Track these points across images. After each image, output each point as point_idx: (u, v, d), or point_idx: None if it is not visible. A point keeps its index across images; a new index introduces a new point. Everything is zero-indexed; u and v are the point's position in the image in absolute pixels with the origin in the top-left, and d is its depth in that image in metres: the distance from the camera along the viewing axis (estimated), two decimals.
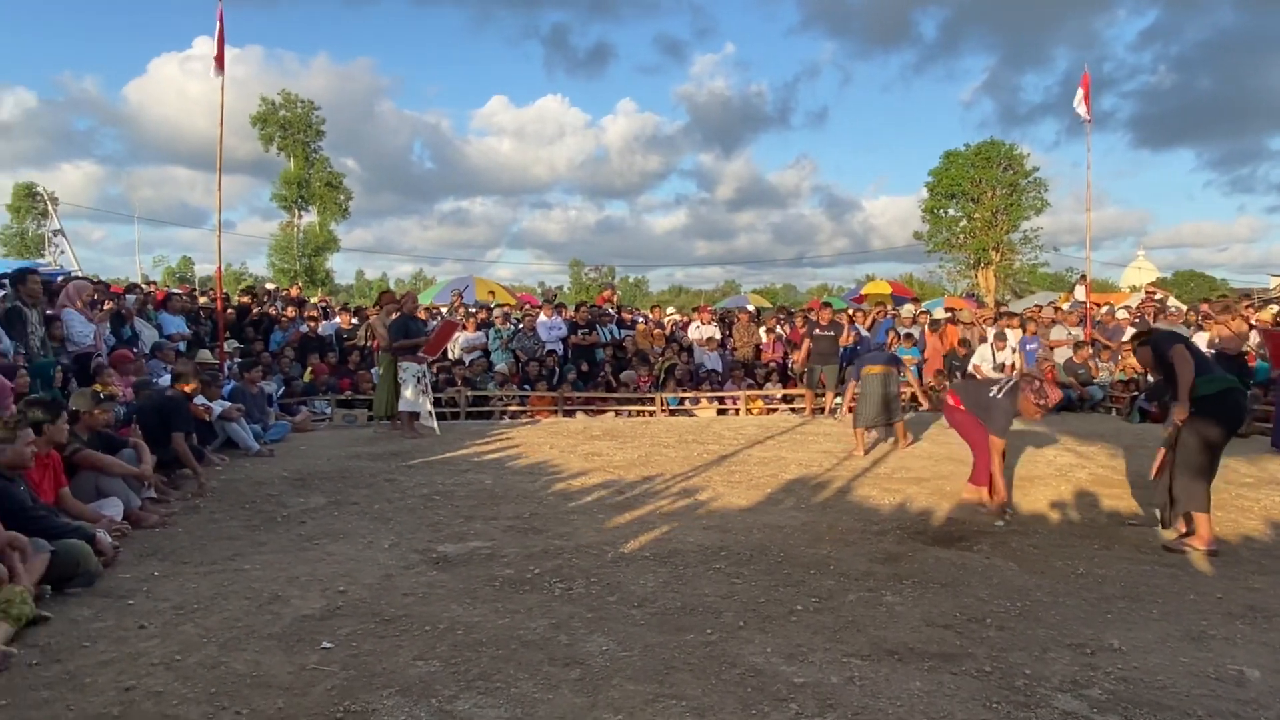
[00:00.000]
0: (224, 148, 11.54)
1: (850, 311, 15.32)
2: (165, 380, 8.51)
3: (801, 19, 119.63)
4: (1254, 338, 11.29)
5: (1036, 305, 18.24)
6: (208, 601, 4.16)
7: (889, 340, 12.94)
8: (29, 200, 42.41)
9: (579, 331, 13.82)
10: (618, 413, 12.45)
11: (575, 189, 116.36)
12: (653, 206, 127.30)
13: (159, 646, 3.59)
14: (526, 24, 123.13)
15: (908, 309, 15.05)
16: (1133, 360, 12.65)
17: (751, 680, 3.27)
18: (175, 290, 14.73)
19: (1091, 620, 3.99)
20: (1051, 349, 13.62)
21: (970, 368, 12.43)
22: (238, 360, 11.27)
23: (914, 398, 10.60)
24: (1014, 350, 12.77)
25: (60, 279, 11.14)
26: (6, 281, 8.50)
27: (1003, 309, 17.07)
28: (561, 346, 13.66)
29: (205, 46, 68.33)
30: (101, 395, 6.36)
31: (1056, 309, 16.33)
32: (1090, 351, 13.30)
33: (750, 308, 18.62)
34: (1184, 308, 16.12)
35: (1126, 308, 16.30)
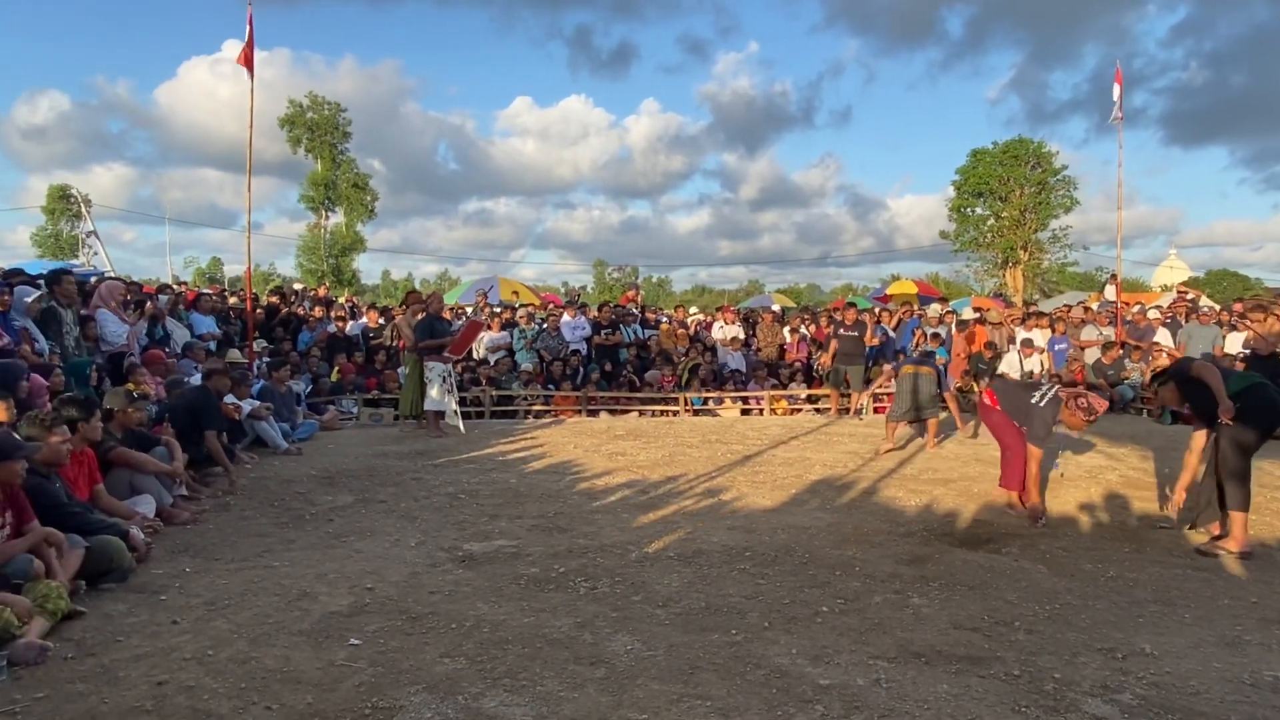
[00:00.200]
0: (253, 150, 11.68)
1: (877, 311, 15.22)
2: (196, 379, 8.63)
3: (825, 17, 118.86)
4: None
5: (1066, 305, 17.99)
6: (238, 597, 4.22)
7: (915, 340, 12.83)
8: (63, 202, 43.15)
9: (603, 331, 13.84)
10: (641, 412, 12.45)
11: (598, 189, 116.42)
12: (676, 206, 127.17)
13: (191, 642, 3.64)
14: (550, 25, 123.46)
15: (934, 308, 14.93)
16: (1163, 360, 12.48)
17: (777, 681, 3.26)
18: (206, 290, 14.93)
19: (1122, 624, 3.94)
20: (1081, 349, 13.44)
21: (998, 374, 12.31)
22: (266, 360, 11.41)
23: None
24: (1043, 352, 12.63)
25: (93, 279, 11.33)
26: (42, 282, 8.65)
27: (1031, 309, 16.86)
28: (585, 346, 13.69)
29: (234, 50, 69.13)
30: (135, 394, 6.46)
31: (1086, 309, 16.11)
32: (1121, 352, 13.10)
33: (775, 307, 18.56)
34: (1216, 307, 15.82)
35: (1158, 307, 16.04)
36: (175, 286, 14.65)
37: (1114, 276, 16.78)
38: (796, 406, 12.97)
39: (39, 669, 3.34)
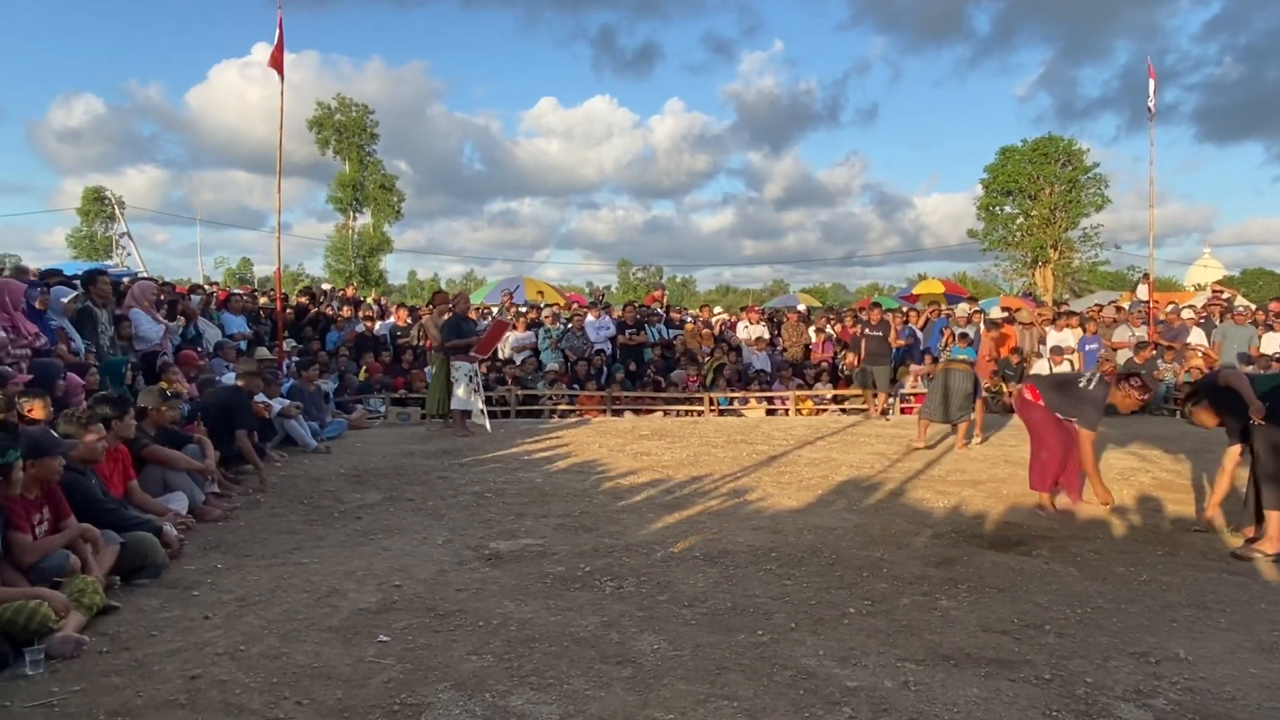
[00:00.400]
0: (282, 152, 11.81)
1: (904, 310, 15.10)
2: (228, 378, 8.75)
3: (851, 14, 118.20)
4: None
5: (1097, 305, 17.75)
6: (269, 594, 4.27)
7: (943, 340, 12.72)
8: (98, 204, 43.94)
9: (627, 331, 13.86)
10: (666, 412, 12.45)
11: (623, 189, 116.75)
12: (700, 206, 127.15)
13: (223, 637, 3.70)
14: (574, 25, 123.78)
15: (962, 308, 14.78)
16: (1198, 361, 12.28)
17: (804, 683, 3.25)
18: (236, 291, 15.14)
19: (1156, 628, 3.88)
20: (1113, 350, 13.25)
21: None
22: (296, 359, 11.54)
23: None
24: (1074, 353, 12.47)
25: (126, 279, 11.52)
26: (78, 283, 8.81)
27: (1063, 309, 16.64)
28: (610, 346, 13.71)
29: (264, 53, 70.00)
30: (168, 393, 6.57)
31: (1118, 309, 15.88)
32: (1154, 353, 12.90)
33: (800, 307, 18.46)
34: (1252, 307, 15.53)
35: (1192, 307, 15.78)
36: (207, 287, 14.87)
37: (1146, 275, 16.53)
38: (822, 407, 12.91)
39: (75, 662, 3.41)
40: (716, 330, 14.76)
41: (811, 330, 14.75)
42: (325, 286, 20.03)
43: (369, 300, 18.23)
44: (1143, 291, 16.65)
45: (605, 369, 13.20)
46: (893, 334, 12.33)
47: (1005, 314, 15.61)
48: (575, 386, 12.85)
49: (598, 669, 3.38)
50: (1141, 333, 13.55)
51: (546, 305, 17.42)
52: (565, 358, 13.41)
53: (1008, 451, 8.76)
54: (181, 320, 9.86)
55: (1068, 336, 13.11)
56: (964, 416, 9.00)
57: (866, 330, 12.34)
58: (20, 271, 10.01)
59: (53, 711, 3.00)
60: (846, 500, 6.53)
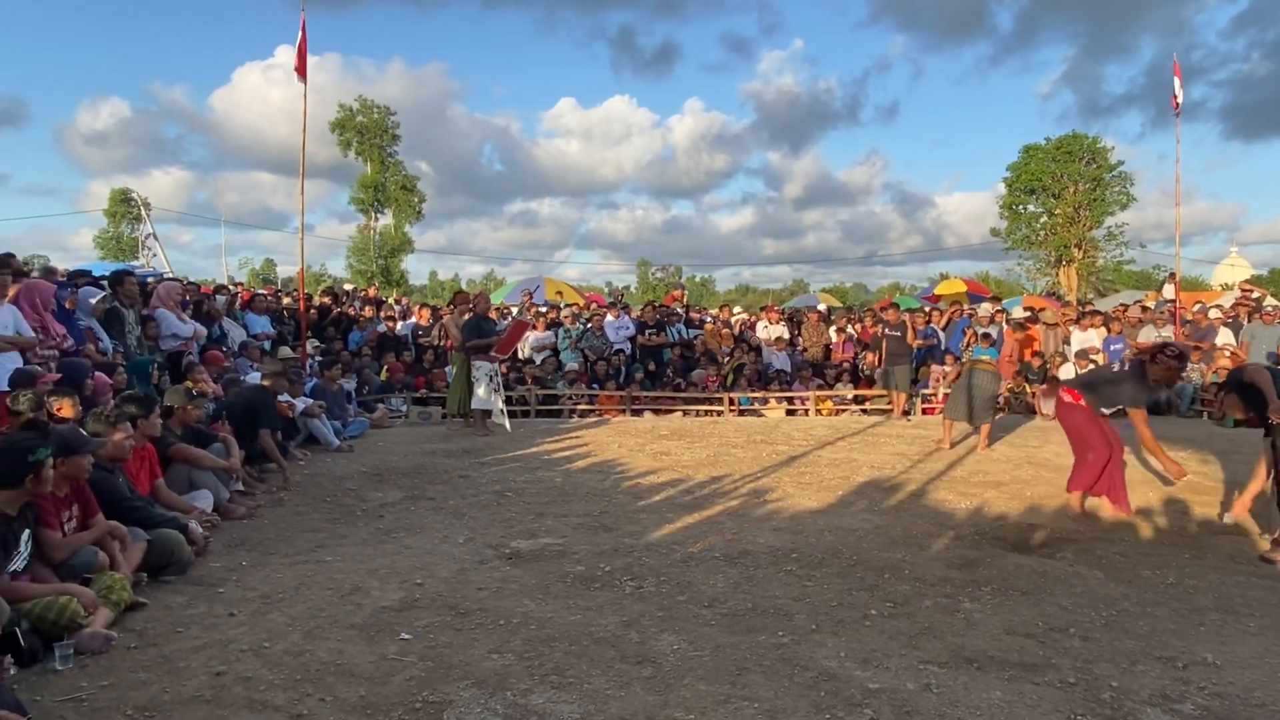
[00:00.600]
0: (305, 153, 11.92)
1: (927, 310, 15.00)
2: (253, 378, 8.85)
3: (871, 12, 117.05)
4: None
5: (1122, 304, 17.53)
6: (292, 591, 4.31)
7: (965, 340, 12.63)
8: (124, 205, 44.54)
9: (647, 331, 13.86)
10: (685, 412, 12.44)
11: (642, 189, 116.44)
12: (719, 206, 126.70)
13: (247, 634, 3.74)
14: (593, 25, 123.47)
15: (985, 307, 14.66)
16: (1225, 362, 12.10)
17: (825, 684, 3.24)
18: (261, 291, 15.29)
19: (1182, 632, 3.83)
20: (1138, 350, 13.09)
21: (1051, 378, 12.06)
22: (319, 359, 11.64)
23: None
24: (1099, 354, 12.33)
25: (150, 280, 11.67)
26: (106, 283, 8.94)
27: (1088, 308, 16.46)
28: (629, 346, 13.72)
29: (287, 55, 70.65)
30: (194, 392, 6.65)
31: (1144, 308, 15.68)
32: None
33: (821, 307, 18.38)
34: None
35: (1219, 306, 15.55)
36: (231, 287, 15.03)
37: (1172, 275, 16.34)
38: (843, 407, 12.84)
39: (104, 658, 3.46)
40: (736, 330, 14.72)
41: (832, 330, 14.67)
42: (347, 287, 20.20)
43: (391, 300, 18.35)
44: (1169, 291, 16.45)
45: (625, 369, 13.21)
46: (910, 333, 12.23)
47: (1029, 314, 15.45)
48: (595, 386, 12.87)
49: (618, 668, 3.38)
50: (1168, 333, 13.36)
51: (566, 305, 17.46)
52: (585, 357, 13.43)
53: (1031, 453, 8.69)
54: (219, 320, 10.01)
55: (1092, 337, 12.97)
56: (987, 418, 8.93)
57: (886, 330, 12.27)
58: (48, 272, 10.16)
59: (82, 706, 3.04)
60: (868, 501, 6.49)
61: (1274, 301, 17.95)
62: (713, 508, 6.25)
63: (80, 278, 9.39)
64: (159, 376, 8.00)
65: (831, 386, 13.22)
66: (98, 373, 6.66)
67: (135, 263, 34.75)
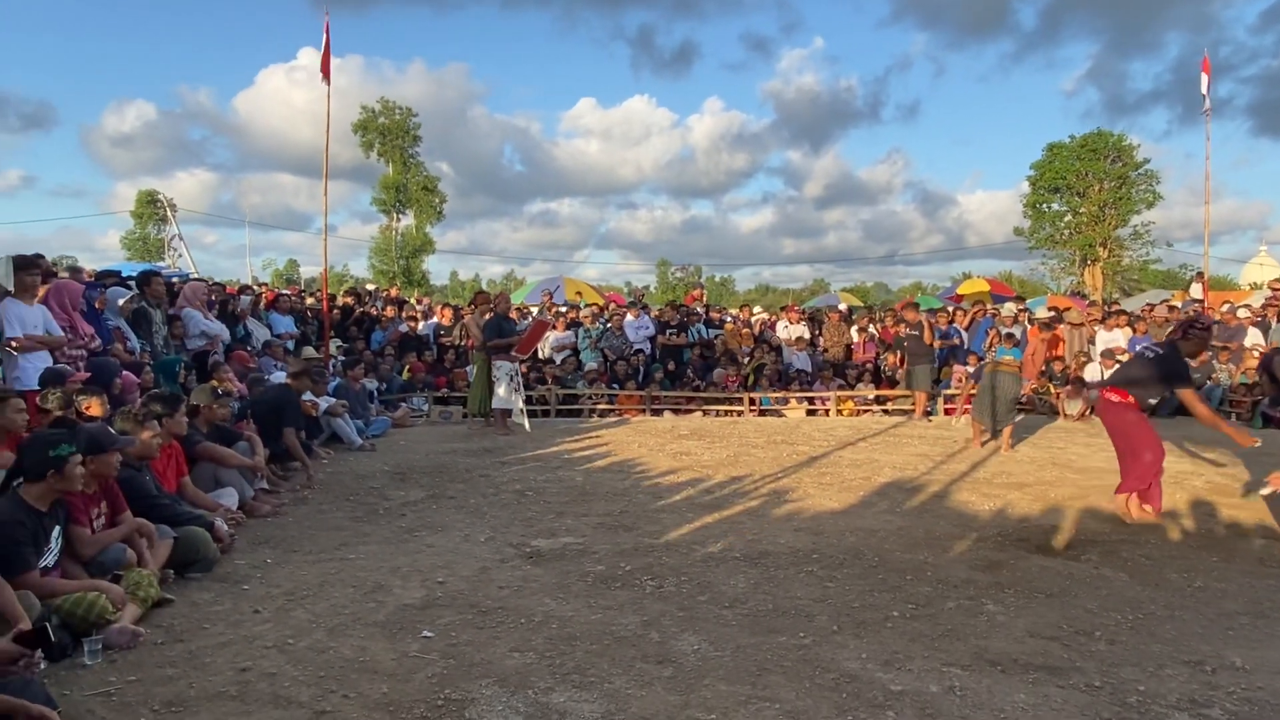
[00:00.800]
0: (329, 155, 12.02)
1: (951, 310, 14.88)
2: (277, 377, 8.94)
3: (892, 10, 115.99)
4: None
5: (1148, 304, 17.31)
6: (316, 588, 4.35)
7: (988, 340, 12.51)
8: (150, 207, 45.11)
9: (668, 331, 13.85)
10: (705, 412, 12.43)
11: (661, 189, 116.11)
12: (739, 205, 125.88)
13: (272, 630, 3.77)
14: (613, 25, 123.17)
15: (1008, 307, 14.51)
16: (1254, 362, 11.92)
17: (847, 686, 3.22)
18: (284, 291, 15.44)
19: (1210, 636, 3.77)
20: None
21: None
22: (341, 358, 11.74)
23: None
24: (1125, 354, 12.17)
25: (175, 280, 11.82)
26: (133, 284, 9.06)
27: (1114, 307, 16.28)
28: (649, 346, 13.73)
29: (309, 58, 71.30)
30: (219, 391, 6.73)
31: (1171, 308, 15.48)
32: (1209, 353, 12.54)
33: (841, 306, 18.28)
34: None
35: (1248, 306, 15.31)
36: (255, 287, 15.19)
37: (1200, 274, 16.12)
38: (865, 407, 12.77)
39: (131, 653, 3.51)
40: (756, 330, 14.68)
41: (854, 330, 14.60)
42: (370, 287, 20.34)
43: (412, 300, 18.46)
44: (1196, 290, 16.22)
45: (641, 369, 13.22)
46: (928, 333, 12.11)
47: (1053, 314, 15.30)
48: (615, 386, 12.88)
49: (639, 668, 3.38)
50: None
51: (586, 305, 17.49)
52: (605, 357, 13.45)
53: (1055, 454, 8.60)
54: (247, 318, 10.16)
55: (1118, 336, 12.81)
56: (1010, 419, 8.86)
57: (905, 330, 12.20)
58: (74, 272, 10.33)
59: (110, 701, 3.09)
60: (889, 502, 6.46)
61: None
62: (733, 508, 6.24)
63: (108, 278, 9.53)
64: (185, 375, 8.09)
65: (853, 387, 13.15)
66: (125, 372, 6.75)
67: (161, 263, 35.20)
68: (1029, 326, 13.54)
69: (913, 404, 12.21)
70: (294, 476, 7.19)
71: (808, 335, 14.25)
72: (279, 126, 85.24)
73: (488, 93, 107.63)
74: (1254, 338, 12.69)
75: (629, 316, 14.22)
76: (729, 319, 15.72)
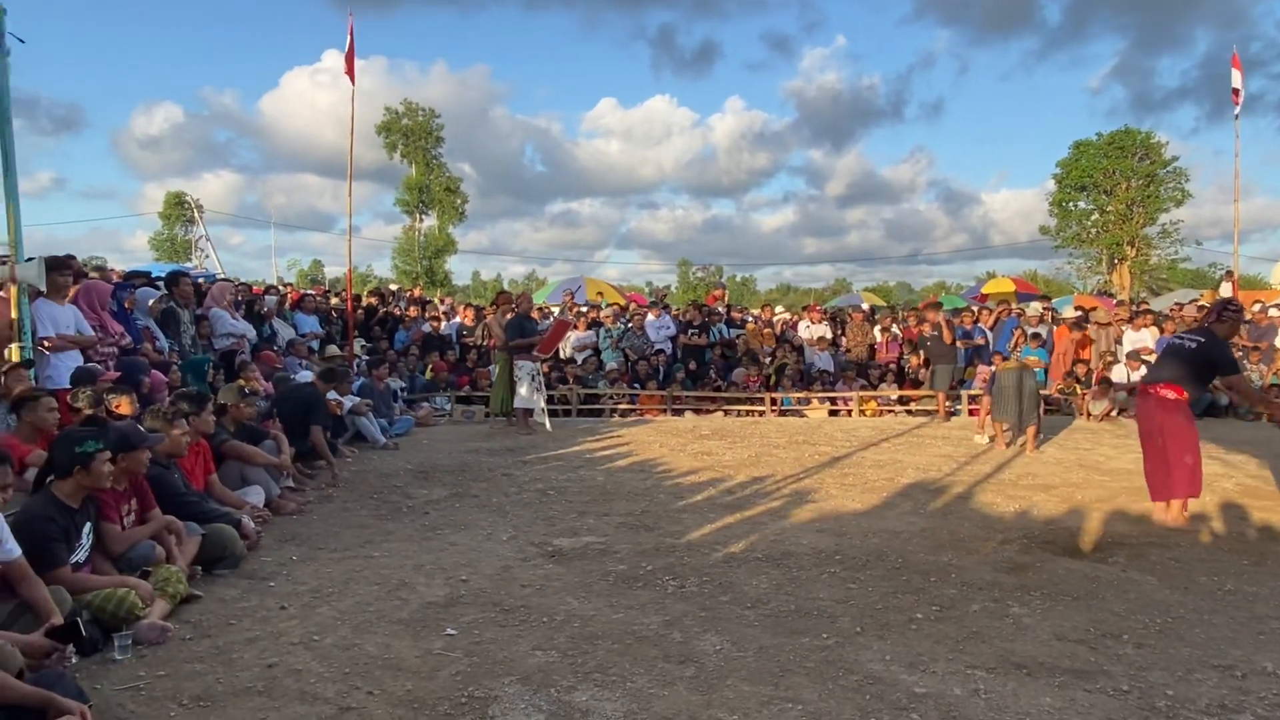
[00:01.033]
0: (353, 156, 12.12)
1: (975, 309, 14.76)
2: (303, 376, 9.03)
3: (914, 8, 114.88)
4: None
5: (1177, 303, 17.06)
6: (341, 586, 4.40)
7: (1013, 340, 12.40)
8: (178, 208, 45.74)
9: (689, 331, 13.84)
10: (726, 412, 12.40)
11: (682, 188, 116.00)
12: (760, 205, 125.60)
13: (298, 627, 3.82)
14: (634, 26, 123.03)
15: (1034, 307, 14.38)
16: None
17: (870, 687, 3.21)
18: (309, 291, 15.59)
19: (1241, 641, 3.71)
20: None
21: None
22: (366, 358, 11.84)
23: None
24: (1152, 354, 12.01)
25: (202, 280, 11.98)
26: (162, 284, 9.18)
27: (1143, 306, 16.05)
28: (670, 346, 13.72)
29: (333, 60, 71.97)
30: (246, 390, 6.81)
31: (1200, 308, 15.25)
32: (1239, 353, 12.35)
33: (864, 306, 18.17)
34: None
35: (1279, 305, 15.05)
36: (280, 288, 15.34)
37: (1230, 273, 15.84)
38: (887, 408, 12.69)
39: (160, 649, 3.56)
40: (778, 330, 14.63)
41: (877, 330, 14.51)
42: (393, 287, 20.49)
43: (435, 300, 18.59)
44: (1226, 289, 15.94)
45: (661, 369, 13.21)
46: (946, 333, 12.01)
47: (1080, 313, 15.12)
48: (636, 386, 12.89)
49: (661, 667, 3.39)
50: None
51: (607, 305, 17.52)
52: (626, 357, 13.46)
53: (1081, 455, 8.51)
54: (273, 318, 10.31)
55: (1145, 336, 12.64)
56: (1033, 418, 8.79)
57: (929, 330, 12.13)
58: (100, 272, 10.47)
59: (139, 695, 3.14)
60: (913, 503, 6.41)
61: None
62: (754, 508, 6.23)
63: (137, 278, 9.66)
64: (214, 375, 8.20)
65: (875, 387, 13.08)
66: (154, 371, 6.85)
67: (188, 264, 35.66)
68: (1054, 326, 13.40)
69: (936, 405, 12.13)
70: (319, 475, 7.26)
71: (830, 335, 14.19)
72: (303, 128, 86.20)
73: (509, 93, 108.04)
74: None
75: (650, 316, 14.22)
76: (750, 319, 15.68)
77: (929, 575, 4.60)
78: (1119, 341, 12.94)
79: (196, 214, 44.67)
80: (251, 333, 9.65)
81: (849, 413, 12.43)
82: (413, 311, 14.44)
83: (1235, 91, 13.64)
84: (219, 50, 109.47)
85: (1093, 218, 39.32)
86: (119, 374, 6.34)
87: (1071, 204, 39.80)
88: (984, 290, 26.21)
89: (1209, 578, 4.58)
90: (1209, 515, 6.00)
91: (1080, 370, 12.25)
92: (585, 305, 17.23)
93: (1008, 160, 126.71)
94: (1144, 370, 11.51)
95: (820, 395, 12.75)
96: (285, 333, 10.99)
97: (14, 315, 6.06)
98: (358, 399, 9.21)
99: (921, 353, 12.63)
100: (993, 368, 11.89)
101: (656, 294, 25.62)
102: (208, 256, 40.89)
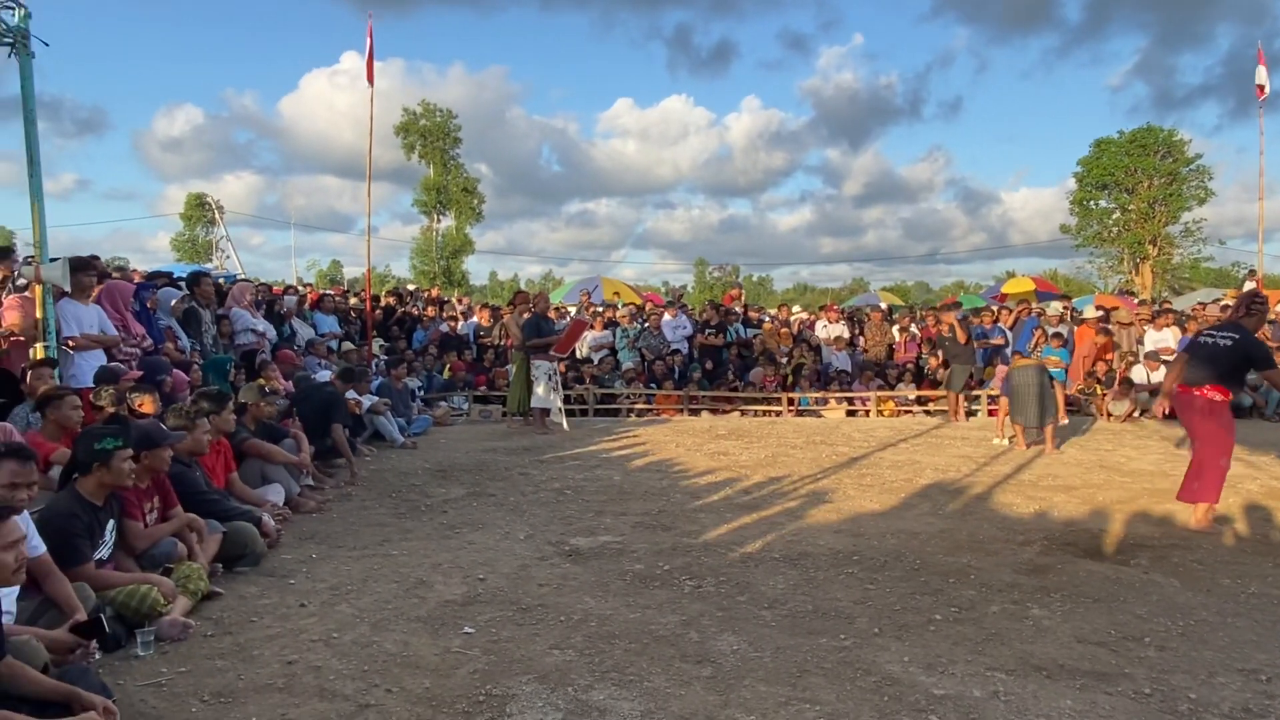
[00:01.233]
0: (372, 157, 12.20)
1: (995, 309, 14.64)
2: (322, 375, 9.10)
3: (933, 6, 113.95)
4: None
5: (1200, 303, 16.86)
6: (360, 583, 4.42)
7: (1033, 340, 12.27)
8: (199, 209, 46.16)
9: (705, 331, 13.83)
10: (743, 412, 12.38)
11: (698, 188, 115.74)
12: (777, 204, 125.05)
13: (317, 624, 3.84)
14: (650, 25, 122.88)
15: (1054, 306, 14.22)
16: None
17: (888, 689, 3.19)
18: (328, 291, 15.70)
19: (1266, 644, 3.66)
20: None
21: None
22: (384, 358, 11.91)
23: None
24: (1173, 354, 11.87)
25: (221, 280, 12.09)
26: (183, 284, 9.28)
27: (1166, 305, 15.88)
28: (686, 345, 13.71)
29: (352, 61, 72.43)
30: (267, 389, 6.86)
31: (1224, 308, 15.05)
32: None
33: (883, 306, 18.08)
34: None
35: None
36: (300, 288, 15.46)
37: (1253, 272, 15.67)
38: (905, 408, 12.62)
39: (182, 645, 3.60)
40: (795, 329, 14.59)
41: (895, 329, 14.43)
42: (411, 287, 20.60)
43: (453, 300, 18.67)
44: (1250, 289, 15.75)
45: (676, 369, 13.20)
46: (959, 333, 11.91)
47: (1101, 313, 14.97)
48: (652, 385, 12.89)
49: (678, 667, 3.38)
50: None
51: (624, 305, 17.52)
52: (642, 356, 13.47)
53: (1102, 456, 8.42)
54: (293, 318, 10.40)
55: (1167, 336, 12.51)
56: (1052, 416, 8.74)
57: (946, 330, 12.06)
58: (120, 272, 10.59)
59: (161, 691, 3.17)
60: (931, 504, 6.37)
61: None
62: (771, 508, 6.21)
63: (159, 279, 9.76)
64: (235, 374, 8.27)
65: (893, 387, 13.01)
66: (176, 370, 6.92)
67: (209, 264, 36.02)
68: (1082, 325, 13.27)
69: (953, 405, 12.05)
70: (338, 474, 7.31)
71: (847, 335, 14.13)
72: (322, 129, 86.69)
73: (526, 94, 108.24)
74: None
75: (666, 316, 14.21)
76: (767, 318, 15.64)
77: (948, 576, 4.57)
78: (1140, 341, 12.81)
79: (217, 215, 45.05)
80: (272, 332, 9.73)
81: (866, 413, 12.38)
82: (430, 311, 14.52)
83: (1260, 88, 13.48)
84: (239, 53, 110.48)
85: (1114, 216, 38.95)
86: (141, 373, 6.41)
87: (1092, 202, 39.44)
88: (1003, 290, 25.97)
89: (1233, 580, 4.53)
90: (1233, 517, 5.93)
91: (1100, 369, 12.13)
92: (602, 305, 17.24)
93: (1027, 158, 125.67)
94: (1162, 370, 11.40)
95: (838, 395, 12.70)
96: (304, 332, 11.07)
97: (39, 315, 6.15)
98: (376, 398, 9.27)
99: (940, 353, 12.55)
100: (1009, 367, 11.81)
101: (673, 294, 25.60)
102: (228, 257, 41.23)
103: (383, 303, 14.63)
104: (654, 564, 4.80)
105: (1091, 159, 38.65)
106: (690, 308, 16.54)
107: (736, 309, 15.10)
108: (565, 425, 10.35)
